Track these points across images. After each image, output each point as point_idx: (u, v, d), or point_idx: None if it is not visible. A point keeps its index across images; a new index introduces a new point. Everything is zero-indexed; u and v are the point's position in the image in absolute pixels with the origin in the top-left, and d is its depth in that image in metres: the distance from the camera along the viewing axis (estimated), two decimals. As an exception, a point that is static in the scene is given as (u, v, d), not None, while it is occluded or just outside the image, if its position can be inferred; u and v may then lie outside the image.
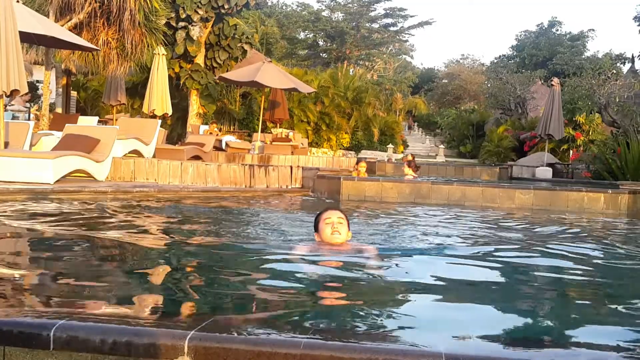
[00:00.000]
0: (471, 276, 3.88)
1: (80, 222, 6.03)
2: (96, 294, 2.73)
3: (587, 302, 3.44)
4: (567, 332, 2.56)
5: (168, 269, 3.95)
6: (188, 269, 3.88)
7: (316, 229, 4.27)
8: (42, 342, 1.76)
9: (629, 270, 4.74)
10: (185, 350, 1.72)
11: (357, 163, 14.75)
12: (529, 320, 2.74)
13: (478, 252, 4.99)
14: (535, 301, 3.31)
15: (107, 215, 6.59)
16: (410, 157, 20.65)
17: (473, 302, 3.12)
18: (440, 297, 3.18)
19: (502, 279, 3.99)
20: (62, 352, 1.76)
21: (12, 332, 1.77)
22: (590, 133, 19.57)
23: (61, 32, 11.68)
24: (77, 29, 13.83)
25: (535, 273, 4.28)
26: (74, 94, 23.55)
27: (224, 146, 18.86)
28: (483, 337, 2.15)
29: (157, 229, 5.98)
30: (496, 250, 5.15)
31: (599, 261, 4.96)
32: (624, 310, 3.13)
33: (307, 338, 1.80)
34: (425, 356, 1.74)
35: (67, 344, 1.75)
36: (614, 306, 3.27)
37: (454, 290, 3.44)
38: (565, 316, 2.94)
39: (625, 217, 9.11)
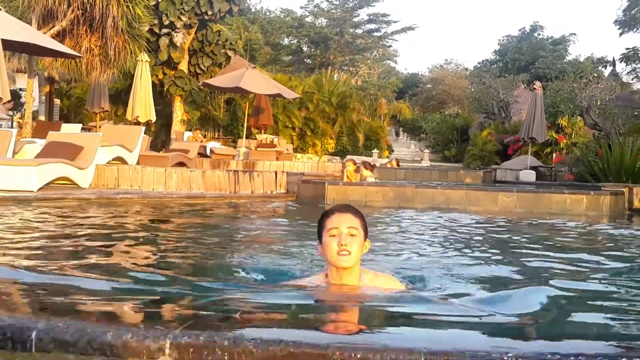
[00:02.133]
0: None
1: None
2: (79, 296, 2.73)
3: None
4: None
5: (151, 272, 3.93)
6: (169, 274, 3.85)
7: (320, 237, 2.97)
8: (24, 344, 1.76)
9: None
10: (167, 349, 1.73)
11: (345, 162, 14.71)
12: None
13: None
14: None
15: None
16: (395, 163, 20.79)
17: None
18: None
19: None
20: (44, 355, 1.76)
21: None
22: (573, 136, 19.78)
23: (44, 39, 11.62)
24: (59, 37, 13.76)
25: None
26: (57, 101, 23.39)
27: (208, 152, 18.85)
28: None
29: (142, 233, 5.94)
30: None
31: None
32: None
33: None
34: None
35: (49, 345, 1.76)
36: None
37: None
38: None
39: (607, 219, 9.20)
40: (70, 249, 4.76)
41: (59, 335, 1.75)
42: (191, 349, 1.73)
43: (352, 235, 2.85)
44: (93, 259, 4.30)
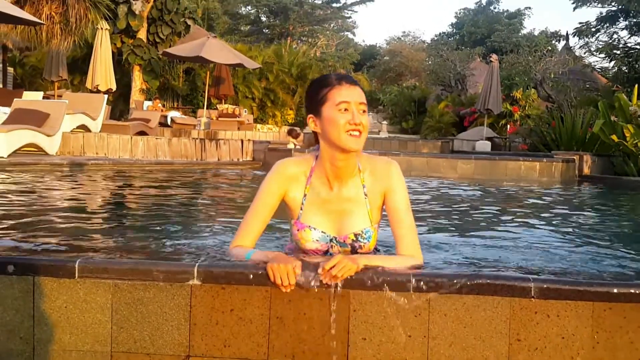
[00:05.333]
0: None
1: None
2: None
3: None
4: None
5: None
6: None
7: (315, 110, 2.45)
8: (68, 271, 2.04)
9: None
10: (195, 274, 2.03)
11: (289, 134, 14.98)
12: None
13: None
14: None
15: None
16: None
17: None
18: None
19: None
20: (85, 280, 2.05)
21: (42, 265, 2.06)
22: (527, 108, 20.38)
23: (5, 5, 11.44)
24: (19, 4, 13.53)
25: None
26: (10, 70, 22.89)
27: (169, 122, 18.84)
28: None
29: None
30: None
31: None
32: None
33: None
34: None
35: (91, 272, 2.04)
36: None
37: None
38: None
39: (558, 184, 9.74)
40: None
41: (101, 264, 2.03)
42: (214, 274, 2.02)
43: (363, 111, 2.41)
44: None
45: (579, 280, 2.23)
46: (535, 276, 2.17)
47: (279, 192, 2.46)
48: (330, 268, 2.09)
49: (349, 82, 2.42)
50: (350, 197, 2.47)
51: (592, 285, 2.14)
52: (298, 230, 2.47)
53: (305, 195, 2.47)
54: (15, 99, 10.65)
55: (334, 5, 51.41)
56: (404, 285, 2.13)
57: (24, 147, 9.40)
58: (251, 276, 2.13)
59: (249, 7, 48.62)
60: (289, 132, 13.31)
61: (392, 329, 2.13)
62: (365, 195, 2.48)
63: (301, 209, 2.47)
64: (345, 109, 2.36)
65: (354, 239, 2.46)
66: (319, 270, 2.12)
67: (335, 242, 2.48)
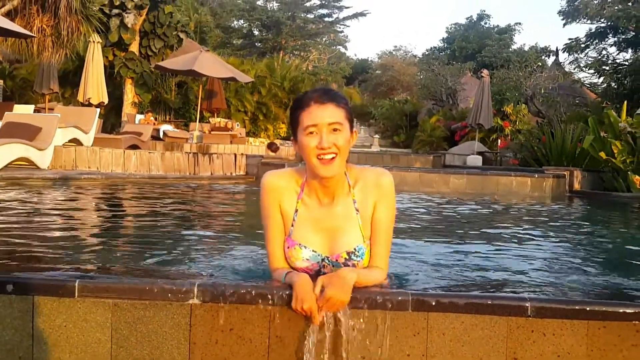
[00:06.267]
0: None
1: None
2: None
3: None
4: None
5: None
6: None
7: (294, 132, 2.42)
8: (68, 291, 2.04)
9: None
10: (195, 293, 2.06)
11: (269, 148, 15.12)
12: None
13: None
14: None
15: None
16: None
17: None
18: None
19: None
20: (85, 299, 2.06)
21: (41, 284, 2.07)
22: (517, 123, 20.53)
23: (-3, 18, 11.45)
24: (10, 16, 13.51)
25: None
26: (-1, 82, 22.83)
27: (161, 135, 18.83)
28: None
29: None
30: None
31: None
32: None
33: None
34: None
35: (90, 291, 2.05)
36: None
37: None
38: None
39: (549, 199, 9.80)
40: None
41: (101, 283, 2.04)
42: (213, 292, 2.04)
43: (335, 130, 2.29)
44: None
45: (575, 299, 2.27)
46: (532, 295, 2.21)
47: (276, 206, 2.41)
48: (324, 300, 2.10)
49: (319, 101, 2.30)
50: (341, 214, 2.41)
51: (587, 304, 2.18)
52: (288, 247, 2.41)
53: (296, 210, 2.41)
54: (6, 113, 10.64)
55: (326, 19, 51.71)
56: (402, 304, 2.15)
57: (15, 161, 9.37)
58: (250, 295, 2.15)
59: (242, 21, 48.78)
60: (269, 146, 13.55)
61: (389, 347, 2.15)
62: (357, 210, 2.42)
63: (292, 225, 2.41)
64: (314, 132, 2.28)
65: (347, 257, 2.40)
66: (315, 290, 2.15)
67: (327, 261, 2.41)
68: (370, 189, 2.42)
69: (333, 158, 2.28)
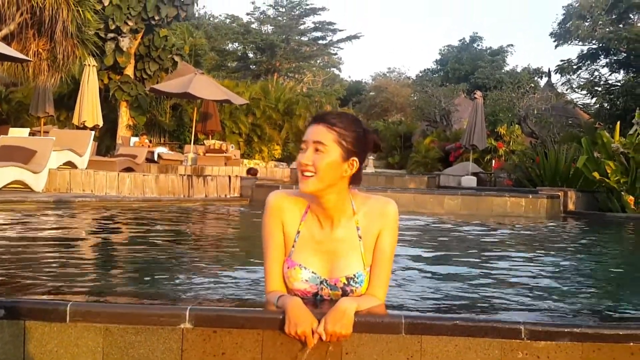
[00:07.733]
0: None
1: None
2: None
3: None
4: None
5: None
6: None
7: None
8: (59, 315, 2.03)
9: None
10: (187, 317, 2.05)
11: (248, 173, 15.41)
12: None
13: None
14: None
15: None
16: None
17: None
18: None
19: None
20: (77, 323, 2.05)
21: (33, 308, 2.05)
22: (511, 143, 20.65)
23: (-8, 42, 11.51)
24: (7, 40, 13.58)
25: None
26: (-5, 105, 22.87)
27: (156, 158, 18.82)
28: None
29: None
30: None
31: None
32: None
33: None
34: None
35: (82, 315, 2.03)
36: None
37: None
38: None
39: (544, 220, 9.81)
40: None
41: (92, 308, 2.02)
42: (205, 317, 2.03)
43: (317, 150, 2.28)
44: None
45: (569, 321, 2.26)
46: (526, 319, 2.20)
47: (279, 226, 2.39)
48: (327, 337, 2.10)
49: (314, 121, 2.34)
50: (343, 239, 2.39)
51: (581, 326, 2.17)
52: (288, 268, 2.38)
53: (298, 232, 2.39)
54: (1, 136, 10.64)
55: (320, 42, 52.07)
56: (395, 327, 2.14)
57: (9, 184, 9.35)
58: (243, 320, 2.14)
59: (236, 44, 49.07)
60: (248, 172, 13.83)
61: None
62: (360, 237, 2.39)
63: (293, 246, 2.39)
64: (303, 148, 2.31)
65: (346, 282, 2.37)
66: (319, 329, 2.11)
67: (325, 284, 2.38)
68: (376, 217, 2.40)
69: (314, 174, 2.27)
